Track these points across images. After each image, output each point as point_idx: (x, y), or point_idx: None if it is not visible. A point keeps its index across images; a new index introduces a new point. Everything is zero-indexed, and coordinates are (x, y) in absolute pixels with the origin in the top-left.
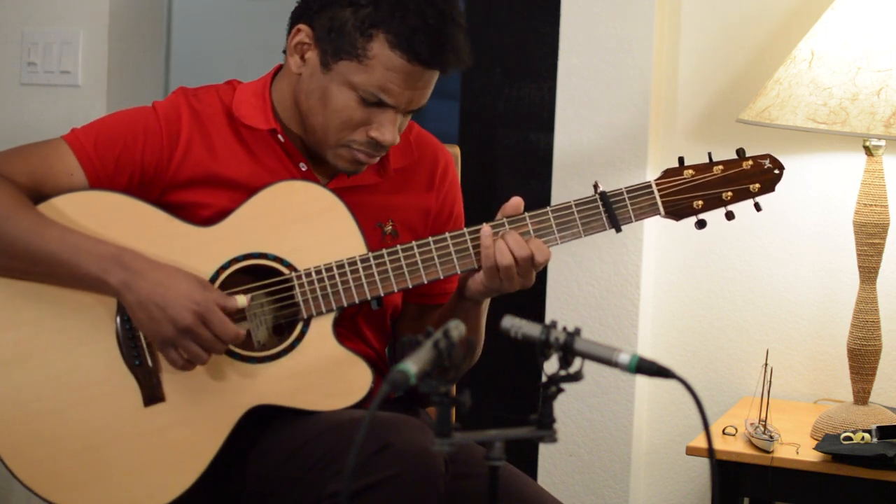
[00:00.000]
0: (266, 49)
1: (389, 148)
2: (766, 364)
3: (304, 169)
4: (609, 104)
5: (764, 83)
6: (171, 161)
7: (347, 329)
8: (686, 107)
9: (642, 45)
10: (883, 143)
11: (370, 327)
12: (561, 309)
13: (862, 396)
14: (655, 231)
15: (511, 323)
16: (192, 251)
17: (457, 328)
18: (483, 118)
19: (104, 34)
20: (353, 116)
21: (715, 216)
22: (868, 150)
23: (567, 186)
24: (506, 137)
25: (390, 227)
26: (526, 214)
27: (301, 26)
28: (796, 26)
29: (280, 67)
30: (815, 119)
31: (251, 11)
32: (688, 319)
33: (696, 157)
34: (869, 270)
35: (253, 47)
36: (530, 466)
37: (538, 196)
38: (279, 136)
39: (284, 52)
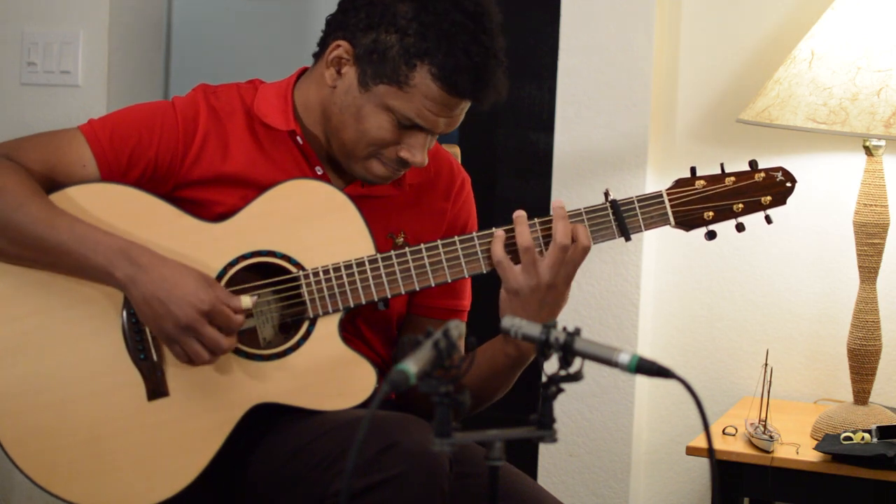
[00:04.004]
0: (266, 49)
1: (421, 166)
2: (766, 364)
3: (319, 173)
4: (609, 104)
5: (764, 83)
6: (186, 159)
7: (350, 333)
8: (686, 107)
9: (642, 45)
10: (883, 143)
11: (373, 332)
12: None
13: (862, 396)
14: (656, 231)
15: (511, 323)
16: (201, 247)
17: (457, 328)
18: (483, 118)
19: (104, 34)
20: (384, 137)
21: (726, 229)
22: (868, 150)
23: (567, 186)
24: (506, 137)
25: (402, 240)
26: (536, 220)
27: (341, 42)
28: (796, 26)
29: (304, 70)
30: (815, 119)
31: (251, 12)
32: (688, 319)
33: (695, 157)
34: (869, 270)
35: (253, 47)
36: (530, 466)
37: (538, 196)
38: (298, 138)
39: (315, 56)
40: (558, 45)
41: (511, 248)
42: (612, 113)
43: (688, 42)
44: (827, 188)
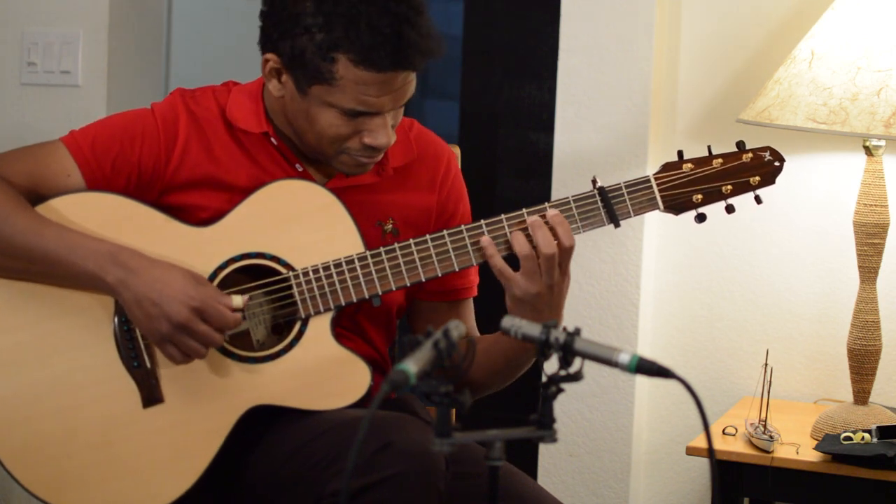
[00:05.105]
0: None
1: (389, 146)
2: (766, 364)
3: (300, 170)
4: (609, 104)
5: (764, 83)
6: (169, 163)
7: (349, 329)
8: (686, 107)
9: (642, 45)
10: (883, 143)
11: (373, 326)
12: None
13: (862, 396)
14: (655, 230)
15: (511, 323)
16: (190, 251)
17: (457, 328)
18: (483, 118)
19: (104, 34)
20: (340, 132)
21: (716, 212)
22: (868, 150)
23: (567, 186)
24: (506, 137)
25: (391, 226)
26: (524, 210)
27: (269, 56)
28: (796, 26)
29: None
30: (815, 119)
31: (251, 11)
32: (688, 319)
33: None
34: (869, 270)
35: (253, 47)
36: (530, 466)
37: (538, 196)
38: (272, 140)
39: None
40: (558, 45)
41: (501, 245)
42: (612, 113)
43: (688, 42)
44: (827, 188)
